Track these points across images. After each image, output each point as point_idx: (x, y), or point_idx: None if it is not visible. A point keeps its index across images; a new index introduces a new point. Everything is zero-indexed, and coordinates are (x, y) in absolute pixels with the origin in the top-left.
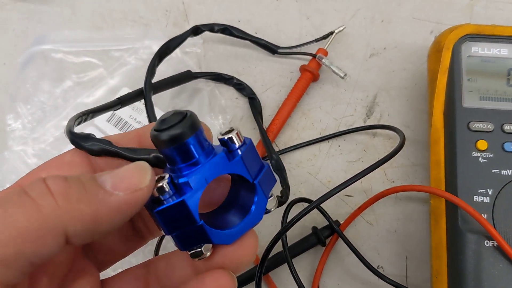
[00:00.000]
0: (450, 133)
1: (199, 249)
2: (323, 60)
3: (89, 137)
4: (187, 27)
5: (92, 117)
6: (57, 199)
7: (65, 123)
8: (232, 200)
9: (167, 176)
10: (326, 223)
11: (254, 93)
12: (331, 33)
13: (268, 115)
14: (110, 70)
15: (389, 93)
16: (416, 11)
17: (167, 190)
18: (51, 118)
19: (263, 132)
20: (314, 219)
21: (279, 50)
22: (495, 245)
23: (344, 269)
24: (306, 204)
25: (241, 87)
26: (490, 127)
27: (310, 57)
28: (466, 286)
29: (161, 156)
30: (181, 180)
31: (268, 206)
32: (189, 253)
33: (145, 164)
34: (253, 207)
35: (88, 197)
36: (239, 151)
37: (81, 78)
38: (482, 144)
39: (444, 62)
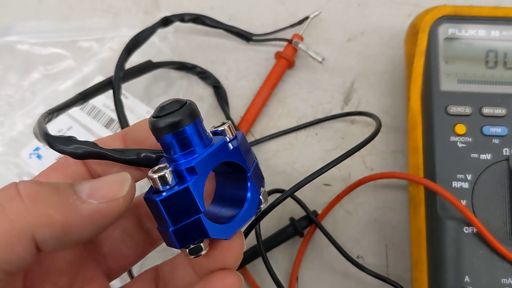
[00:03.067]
0: (428, 118)
1: (198, 245)
2: (300, 45)
3: (70, 139)
4: (159, 15)
5: (57, 116)
6: (25, 202)
7: (34, 117)
8: (221, 196)
9: (167, 165)
10: (305, 214)
11: (218, 82)
12: (307, 18)
13: (243, 104)
14: (79, 62)
15: (368, 79)
16: None
17: (170, 179)
18: (19, 111)
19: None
20: (293, 210)
21: (253, 38)
22: (474, 232)
23: (323, 260)
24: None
25: (204, 75)
26: (468, 110)
27: (286, 44)
28: (446, 274)
29: (152, 155)
30: (186, 166)
31: (262, 197)
32: (187, 250)
33: (126, 176)
34: (247, 201)
35: (58, 202)
36: (235, 142)
37: (49, 70)
38: (460, 128)
39: (420, 45)
